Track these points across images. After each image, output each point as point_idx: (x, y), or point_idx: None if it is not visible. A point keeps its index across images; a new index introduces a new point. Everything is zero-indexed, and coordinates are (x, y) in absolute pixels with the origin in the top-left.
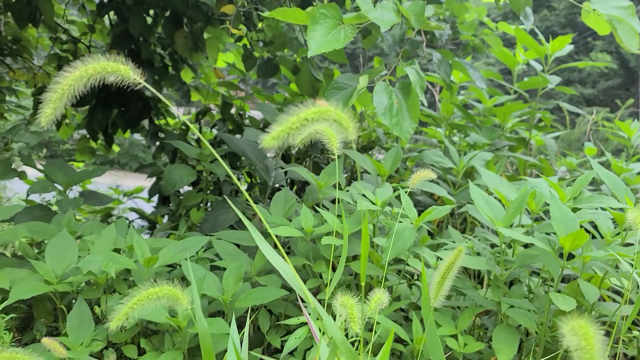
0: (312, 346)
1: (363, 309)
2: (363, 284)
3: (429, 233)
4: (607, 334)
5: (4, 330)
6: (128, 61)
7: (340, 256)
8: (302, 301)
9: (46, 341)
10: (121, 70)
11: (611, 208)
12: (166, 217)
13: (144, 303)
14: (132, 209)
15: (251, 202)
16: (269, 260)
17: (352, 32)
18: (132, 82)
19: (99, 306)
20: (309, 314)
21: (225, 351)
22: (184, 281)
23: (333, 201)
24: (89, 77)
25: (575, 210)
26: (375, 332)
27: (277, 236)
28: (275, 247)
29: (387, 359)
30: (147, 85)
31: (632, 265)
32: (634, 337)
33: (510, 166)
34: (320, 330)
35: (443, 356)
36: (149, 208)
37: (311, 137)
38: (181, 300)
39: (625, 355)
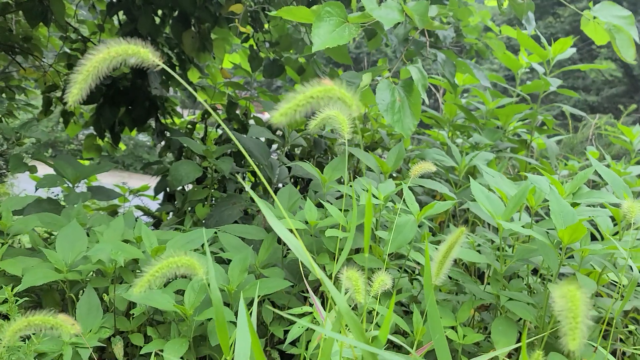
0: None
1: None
2: (367, 255)
3: (431, 231)
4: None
5: (20, 312)
6: (147, 44)
7: (343, 249)
8: (315, 287)
9: (62, 317)
10: (141, 52)
11: (610, 204)
12: (171, 214)
13: (164, 271)
14: (138, 207)
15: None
16: (279, 235)
17: (356, 30)
18: (151, 65)
19: (108, 294)
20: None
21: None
22: None
23: (336, 198)
24: (111, 59)
25: (574, 205)
26: (377, 324)
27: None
28: (279, 241)
29: (388, 330)
30: (166, 68)
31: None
32: (630, 332)
33: (512, 169)
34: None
35: (443, 332)
36: (154, 206)
37: (325, 122)
38: (197, 270)
39: (623, 353)
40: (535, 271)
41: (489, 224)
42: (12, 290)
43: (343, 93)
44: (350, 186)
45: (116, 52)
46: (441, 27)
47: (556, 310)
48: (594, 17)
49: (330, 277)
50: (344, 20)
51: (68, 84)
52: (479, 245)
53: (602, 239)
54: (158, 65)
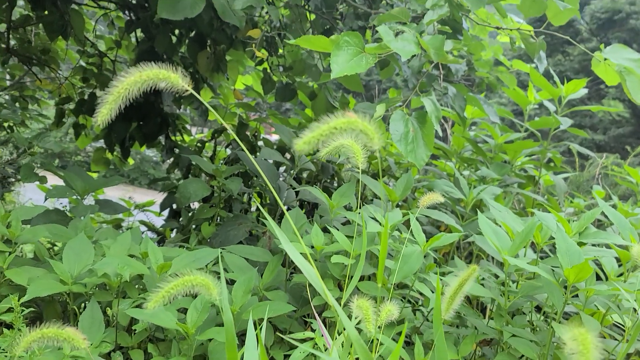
0: None
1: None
2: (379, 284)
3: (435, 262)
4: None
5: (22, 322)
6: (178, 70)
7: (346, 275)
8: (320, 314)
9: (72, 331)
10: (171, 77)
11: (616, 245)
12: (174, 231)
13: (179, 289)
14: (142, 222)
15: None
16: (292, 259)
17: (372, 59)
18: (181, 89)
19: (111, 309)
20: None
21: None
22: None
23: (342, 224)
24: (142, 83)
25: (580, 244)
26: (381, 356)
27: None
28: (283, 264)
29: (398, 357)
30: (195, 93)
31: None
32: None
33: (517, 204)
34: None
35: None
36: (158, 222)
37: (337, 151)
38: (212, 290)
39: None
40: (539, 308)
41: (493, 258)
42: (18, 301)
43: (366, 126)
44: (359, 213)
45: (147, 76)
46: (455, 61)
47: (567, 352)
48: (605, 59)
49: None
50: (361, 50)
51: (99, 103)
52: (482, 279)
53: (607, 279)
54: (187, 90)
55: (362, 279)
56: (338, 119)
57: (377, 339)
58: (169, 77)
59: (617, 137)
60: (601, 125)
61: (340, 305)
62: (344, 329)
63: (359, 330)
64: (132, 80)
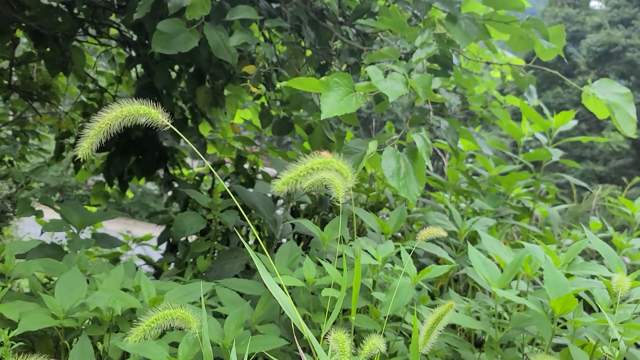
0: None
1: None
2: (353, 317)
3: (430, 295)
4: None
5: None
6: (157, 107)
7: (341, 309)
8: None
9: None
10: (152, 113)
11: (604, 277)
12: (172, 264)
13: (160, 323)
14: (140, 256)
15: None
16: (271, 292)
17: (363, 99)
18: (160, 125)
19: (102, 343)
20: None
21: None
22: None
23: (338, 256)
24: (123, 118)
25: (568, 276)
26: None
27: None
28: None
29: None
30: (174, 128)
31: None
32: None
33: (516, 236)
34: None
35: None
36: (156, 256)
37: (318, 184)
38: (191, 323)
39: None
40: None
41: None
42: (8, 334)
43: (340, 165)
44: (351, 246)
45: (128, 112)
46: (443, 100)
47: None
48: (592, 94)
49: (324, 338)
50: (351, 89)
51: (80, 138)
52: (475, 311)
53: (600, 310)
54: (167, 125)
55: (358, 311)
56: (314, 159)
57: None
58: (149, 112)
59: (618, 169)
60: (602, 156)
61: (321, 338)
62: None
63: None
64: (113, 116)
